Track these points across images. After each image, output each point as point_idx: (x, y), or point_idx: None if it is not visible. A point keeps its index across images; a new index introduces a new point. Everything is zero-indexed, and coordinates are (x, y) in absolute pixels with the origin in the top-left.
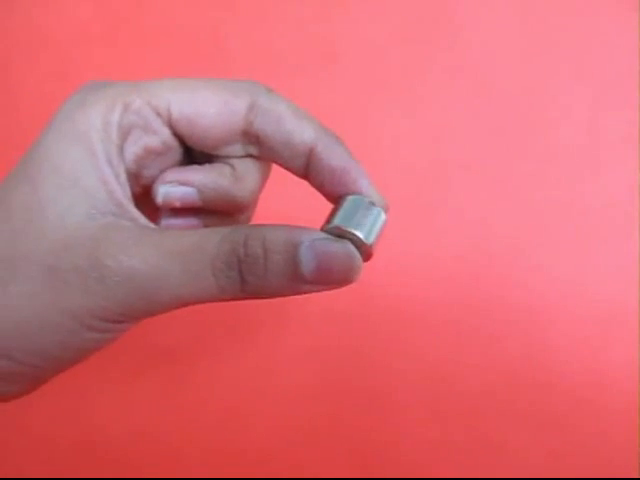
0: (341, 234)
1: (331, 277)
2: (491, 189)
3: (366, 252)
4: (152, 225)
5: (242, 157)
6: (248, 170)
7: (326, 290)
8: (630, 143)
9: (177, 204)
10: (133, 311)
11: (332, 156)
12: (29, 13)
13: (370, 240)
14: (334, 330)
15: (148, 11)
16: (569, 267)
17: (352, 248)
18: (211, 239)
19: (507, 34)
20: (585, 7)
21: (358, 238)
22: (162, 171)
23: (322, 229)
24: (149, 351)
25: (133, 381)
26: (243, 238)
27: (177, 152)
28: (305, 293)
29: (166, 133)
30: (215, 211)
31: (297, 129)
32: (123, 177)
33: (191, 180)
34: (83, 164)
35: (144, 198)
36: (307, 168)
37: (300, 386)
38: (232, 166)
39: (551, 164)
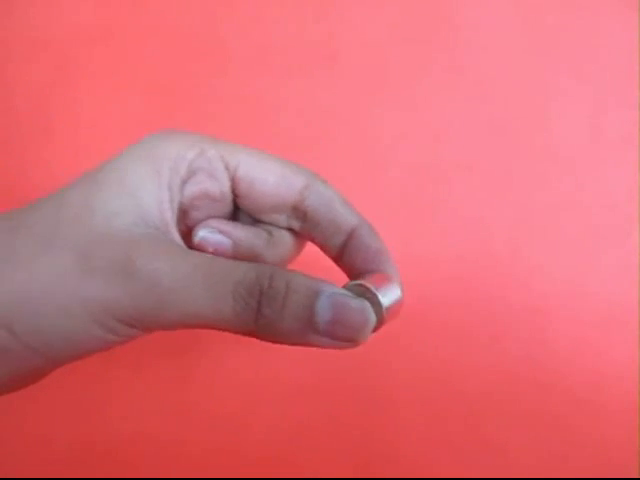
0: (362, 292)
1: (342, 331)
2: (491, 189)
3: (379, 317)
4: (188, 249)
5: (282, 228)
6: (284, 240)
7: (331, 348)
8: (630, 143)
9: (210, 250)
10: (147, 317)
11: (371, 240)
12: (27, 13)
13: (386, 305)
14: None
15: (146, 10)
16: (569, 267)
17: (369, 307)
18: (240, 267)
19: (507, 33)
20: (585, 6)
21: (377, 299)
22: (208, 218)
23: (344, 286)
24: (149, 348)
25: (133, 379)
26: (270, 273)
27: (227, 207)
28: (310, 345)
29: (226, 186)
30: None
31: (345, 212)
32: (176, 206)
33: (229, 232)
34: (147, 181)
35: (182, 238)
36: (343, 246)
37: (298, 384)
38: (270, 233)
39: (551, 164)
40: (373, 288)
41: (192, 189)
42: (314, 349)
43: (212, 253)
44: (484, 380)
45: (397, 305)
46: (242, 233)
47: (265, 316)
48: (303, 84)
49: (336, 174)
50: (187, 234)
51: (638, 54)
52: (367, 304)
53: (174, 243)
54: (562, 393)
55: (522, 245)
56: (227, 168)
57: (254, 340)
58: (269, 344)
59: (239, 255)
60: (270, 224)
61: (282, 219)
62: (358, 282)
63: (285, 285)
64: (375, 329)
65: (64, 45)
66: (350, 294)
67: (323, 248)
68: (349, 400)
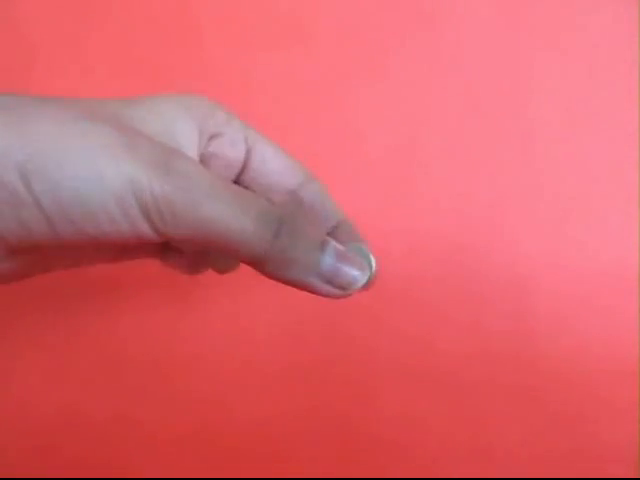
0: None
1: (340, 280)
2: (472, 167)
3: (370, 277)
4: None
5: None
6: None
7: (324, 294)
8: (611, 122)
9: None
10: (170, 214)
11: (352, 235)
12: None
13: (375, 271)
14: (313, 307)
15: None
16: (551, 244)
17: (365, 265)
18: (268, 201)
19: (488, 10)
20: None
21: (370, 262)
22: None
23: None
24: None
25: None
26: (291, 210)
27: (232, 176)
28: (306, 288)
29: (241, 156)
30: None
31: (333, 209)
32: (198, 155)
33: None
34: (182, 122)
35: None
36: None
37: (281, 364)
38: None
39: (532, 141)
40: (369, 253)
41: (214, 146)
42: (294, 326)
43: None
44: (466, 357)
45: (376, 275)
46: None
47: (281, 241)
48: (277, 59)
49: (312, 152)
50: None
51: (623, 35)
52: (363, 261)
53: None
54: (545, 370)
55: (503, 222)
56: (246, 141)
57: (236, 323)
58: (250, 324)
59: None
60: None
61: (277, 200)
62: (357, 245)
63: (306, 220)
64: (363, 288)
65: (31, 32)
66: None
67: None
68: (330, 377)
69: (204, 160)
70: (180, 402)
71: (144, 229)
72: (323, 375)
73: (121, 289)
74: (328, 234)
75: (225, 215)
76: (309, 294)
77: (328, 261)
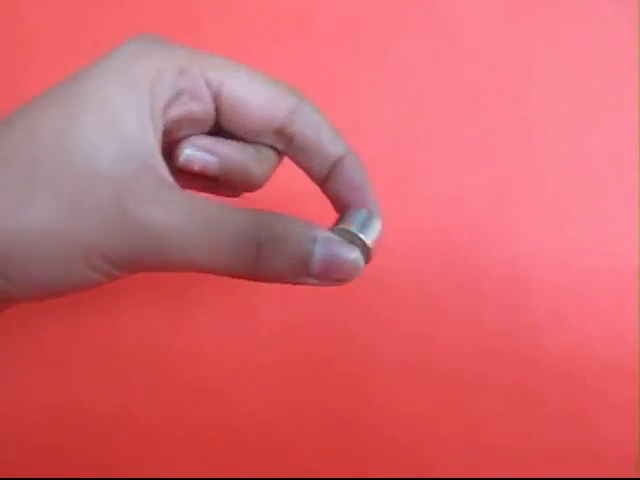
0: (350, 237)
1: (334, 276)
2: (471, 159)
3: (367, 256)
4: (175, 185)
5: (266, 145)
6: (270, 156)
7: (323, 286)
8: (610, 115)
9: (196, 169)
10: (142, 261)
11: (356, 172)
12: None
13: (372, 245)
14: (313, 303)
15: None
16: (550, 239)
17: (359, 255)
18: (238, 215)
19: (490, 8)
20: None
21: (364, 243)
22: (191, 135)
23: (333, 229)
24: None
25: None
26: (267, 222)
27: (211, 125)
28: (303, 284)
29: (210, 105)
30: (224, 187)
31: (332, 140)
32: (160, 133)
33: (215, 149)
34: (128, 111)
35: (165, 157)
36: (327, 176)
37: (281, 362)
38: (257, 149)
39: (532, 134)
40: (360, 234)
41: (175, 111)
42: (293, 321)
43: (198, 172)
44: (466, 354)
45: (379, 239)
46: (228, 150)
47: (263, 263)
48: (278, 53)
49: None
50: (170, 150)
51: (622, 28)
52: (357, 252)
53: (163, 181)
54: (544, 367)
55: (503, 219)
56: (210, 87)
57: (234, 316)
58: (246, 320)
59: (226, 172)
60: (254, 142)
61: (267, 141)
62: (345, 228)
63: (283, 234)
64: (365, 263)
65: (31, 20)
66: (341, 240)
67: (307, 173)
68: (329, 373)
69: (167, 129)
70: (180, 399)
71: (120, 274)
72: (323, 372)
73: (122, 286)
74: (326, 176)
75: (196, 254)
76: (309, 292)
77: (317, 266)
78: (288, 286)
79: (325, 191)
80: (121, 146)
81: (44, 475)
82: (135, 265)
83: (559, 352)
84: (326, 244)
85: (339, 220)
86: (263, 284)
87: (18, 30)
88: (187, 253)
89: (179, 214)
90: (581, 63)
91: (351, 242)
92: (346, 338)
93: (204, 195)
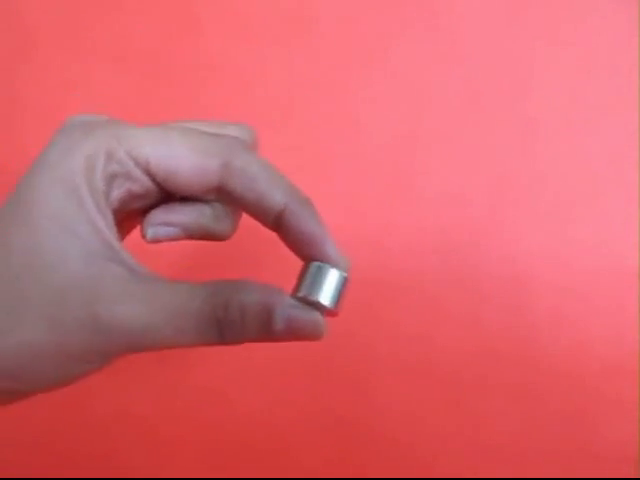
0: (309, 302)
1: (298, 336)
2: (471, 159)
3: (331, 313)
4: (140, 268)
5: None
6: (226, 212)
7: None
8: (610, 114)
9: (164, 241)
10: (124, 351)
11: (300, 222)
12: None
13: (334, 305)
14: None
15: None
16: (550, 238)
17: (318, 316)
18: (196, 299)
19: (490, 6)
20: None
21: (324, 306)
22: (148, 205)
23: (292, 295)
24: None
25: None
26: (224, 302)
27: (159, 192)
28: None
29: (146, 180)
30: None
31: (268, 192)
32: (110, 220)
33: (174, 221)
34: (75, 213)
35: (127, 220)
36: (277, 227)
37: (281, 362)
38: (212, 206)
39: (532, 134)
40: (316, 298)
41: (116, 194)
42: None
43: (166, 241)
44: (466, 353)
45: (343, 290)
46: (186, 217)
47: (227, 338)
48: (280, 53)
49: (314, 144)
50: (129, 217)
51: (622, 28)
52: (316, 314)
53: (128, 274)
54: (544, 367)
55: (503, 219)
56: (138, 164)
57: None
58: None
59: (190, 235)
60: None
61: (214, 199)
62: (301, 295)
63: (240, 312)
64: (333, 316)
65: (30, 18)
66: (299, 305)
67: (261, 223)
68: (331, 373)
69: (122, 208)
70: (181, 398)
71: (103, 364)
72: (323, 371)
73: None
74: (274, 228)
75: (167, 340)
76: None
77: (280, 332)
78: (289, 285)
79: (282, 241)
80: (80, 249)
81: (44, 475)
82: (118, 354)
83: (559, 352)
84: (284, 312)
85: (297, 278)
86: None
87: (17, 30)
88: (157, 340)
89: (142, 308)
90: (581, 63)
91: (309, 304)
92: (346, 337)
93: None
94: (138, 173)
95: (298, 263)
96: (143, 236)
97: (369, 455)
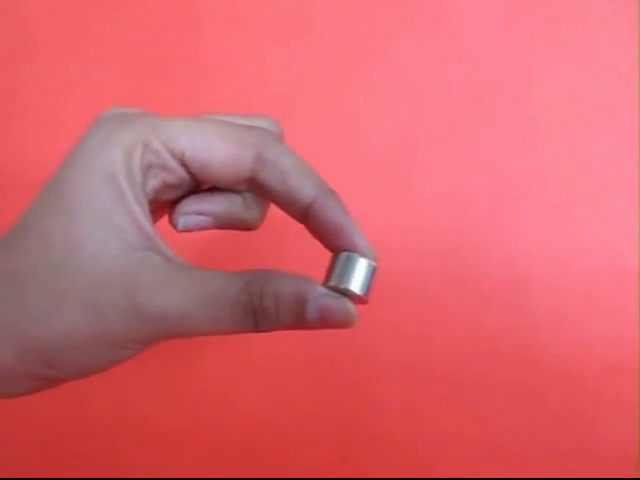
0: (340, 291)
1: (330, 324)
2: (471, 159)
3: (362, 301)
4: (176, 258)
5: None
6: (256, 201)
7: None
8: (611, 112)
9: (195, 230)
10: (161, 338)
11: (328, 214)
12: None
13: (365, 293)
14: None
15: None
16: (550, 238)
17: (349, 304)
18: (232, 288)
19: (491, 5)
20: None
21: (355, 294)
22: (179, 196)
23: (324, 284)
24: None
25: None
26: (259, 291)
27: (192, 183)
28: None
29: (181, 171)
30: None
31: (298, 185)
32: (147, 210)
33: (206, 210)
34: (114, 204)
35: (156, 210)
36: (305, 219)
37: (284, 364)
38: (243, 195)
39: (531, 133)
40: (347, 286)
41: (151, 185)
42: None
43: (197, 230)
44: (466, 354)
45: (373, 279)
46: (215, 206)
47: (262, 326)
48: (279, 52)
49: (314, 144)
50: (162, 207)
51: (622, 27)
52: (347, 303)
53: (165, 263)
54: (544, 367)
55: (504, 219)
56: (174, 155)
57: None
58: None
59: (221, 224)
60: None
61: (245, 189)
62: (332, 284)
63: (274, 302)
64: (363, 304)
65: (29, 18)
66: (332, 293)
67: (289, 214)
68: (332, 374)
69: (156, 199)
70: (182, 398)
71: (139, 350)
72: (322, 371)
73: None
74: (303, 219)
75: (204, 327)
76: None
77: (313, 321)
78: None
79: (310, 233)
80: (119, 240)
81: (44, 475)
82: (155, 341)
83: (559, 352)
84: (317, 301)
85: (328, 268)
86: None
87: (17, 30)
88: (194, 327)
89: (180, 296)
90: (581, 63)
91: (340, 293)
92: (347, 338)
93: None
94: (174, 164)
95: (320, 252)
96: (174, 225)
97: (369, 455)
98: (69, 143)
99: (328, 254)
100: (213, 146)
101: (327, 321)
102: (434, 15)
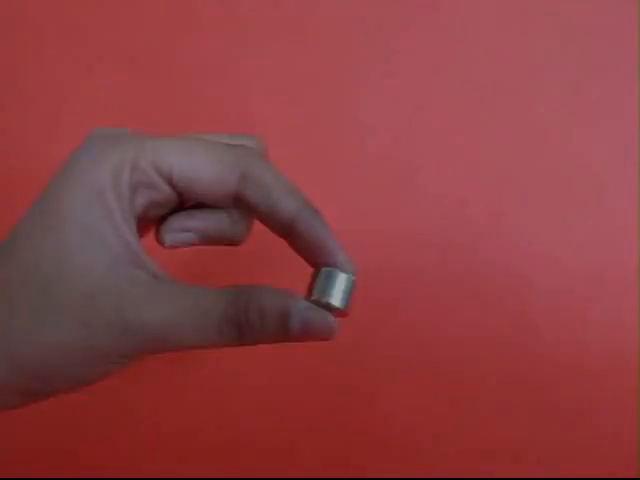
0: (322, 305)
1: (312, 337)
2: (473, 158)
3: (342, 314)
4: (161, 273)
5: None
6: (241, 217)
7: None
8: (614, 114)
9: (181, 246)
10: (148, 351)
11: (311, 231)
12: None
13: (345, 306)
14: None
15: None
16: (552, 237)
17: (330, 318)
18: (218, 303)
19: (492, 4)
20: None
21: (335, 307)
22: (165, 213)
23: (306, 298)
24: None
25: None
26: (244, 305)
27: (178, 200)
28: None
29: (168, 189)
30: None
31: (281, 202)
32: (134, 228)
33: (192, 227)
34: (102, 221)
35: (143, 227)
36: (288, 235)
37: (289, 368)
38: (228, 212)
39: (533, 133)
40: (328, 300)
41: (139, 203)
42: None
43: (183, 247)
44: (468, 355)
45: (352, 293)
46: (201, 223)
47: (247, 339)
48: (277, 49)
49: (315, 144)
50: (149, 223)
51: (625, 24)
52: (328, 316)
53: (152, 279)
54: (546, 368)
55: (504, 216)
56: (161, 175)
57: None
58: None
59: (207, 241)
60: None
61: (230, 206)
62: (314, 298)
63: (259, 316)
64: (343, 317)
65: (35, 19)
66: (314, 307)
67: (272, 231)
68: (334, 375)
69: (144, 215)
70: (184, 399)
71: (125, 364)
72: (326, 374)
73: None
74: (286, 235)
75: (191, 341)
76: None
77: (296, 332)
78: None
79: (292, 249)
80: (107, 256)
81: (45, 475)
82: (141, 355)
83: (560, 351)
84: (299, 314)
85: (310, 283)
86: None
87: (20, 30)
88: (180, 340)
89: (170, 315)
90: (584, 64)
91: (321, 306)
92: (350, 339)
93: None
94: (161, 183)
95: (298, 266)
96: (161, 243)
97: (372, 455)
98: (72, 143)
99: (309, 267)
100: (199, 165)
101: (309, 333)
102: (437, 15)
